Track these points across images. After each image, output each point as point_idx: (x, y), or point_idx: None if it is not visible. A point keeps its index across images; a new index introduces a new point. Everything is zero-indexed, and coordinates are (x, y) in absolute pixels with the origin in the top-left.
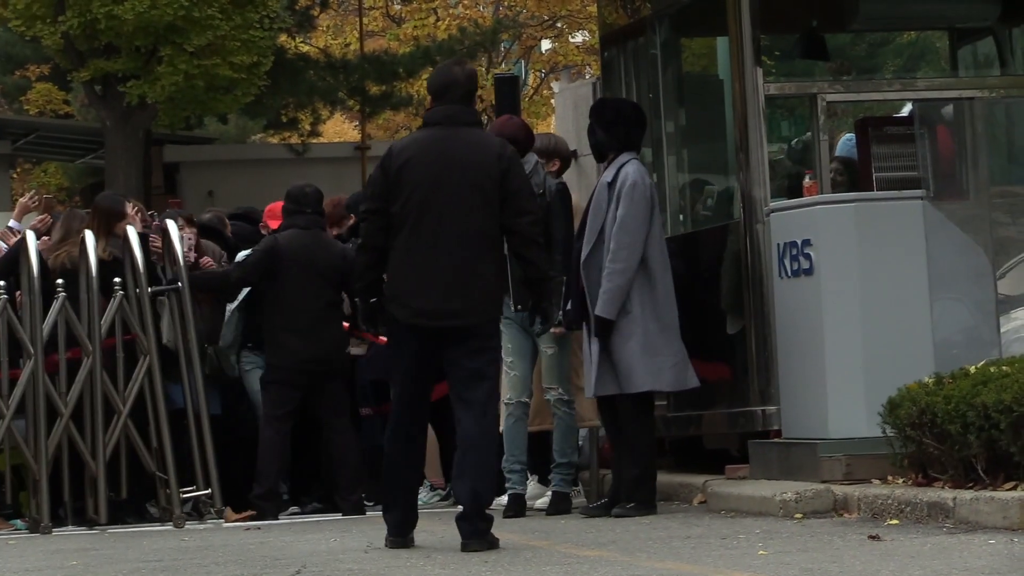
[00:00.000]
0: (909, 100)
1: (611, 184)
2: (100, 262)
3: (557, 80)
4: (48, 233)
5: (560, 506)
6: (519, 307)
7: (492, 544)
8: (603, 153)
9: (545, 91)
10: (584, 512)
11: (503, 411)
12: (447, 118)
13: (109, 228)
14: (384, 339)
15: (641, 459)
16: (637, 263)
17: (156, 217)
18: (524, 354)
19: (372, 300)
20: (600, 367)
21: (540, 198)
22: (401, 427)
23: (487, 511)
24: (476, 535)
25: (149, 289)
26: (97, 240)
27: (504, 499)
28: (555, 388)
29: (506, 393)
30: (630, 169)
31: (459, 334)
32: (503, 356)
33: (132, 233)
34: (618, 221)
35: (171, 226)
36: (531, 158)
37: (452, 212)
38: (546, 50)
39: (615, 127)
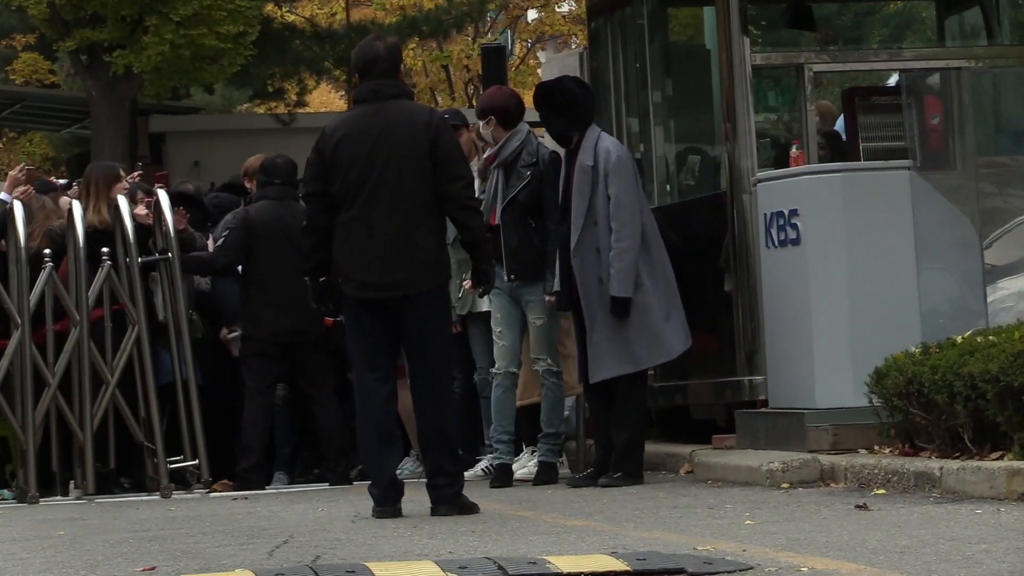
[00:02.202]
0: (896, 70)
1: (594, 167)
2: (94, 231)
3: (544, 50)
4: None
5: (546, 476)
6: (512, 277)
7: (466, 508)
8: (568, 137)
9: (531, 61)
10: (570, 483)
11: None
12: (373, 93)
13: (109, 193)
14: (330, 320)
15: (633, 426)
16: (639, 236)
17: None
18: (513, 324)
19: (321, 279)
20: (599, 350)
21: (533, 167)
22: (368, 400)
23: (457, 476)
24: (443, 500)
25: (140, 260)
26: (94, 207)
27: (477, 470)
28: (544, 359)
29: (495, 363)
30: (607, 145)
31: (406, 304)
32: (492, 326)
33: (123, 202)
34: (613, 201)
35: (162, 197)
36: (523, 127)
37: (387, 185)
38: (532, 20)
39: (571, 108)
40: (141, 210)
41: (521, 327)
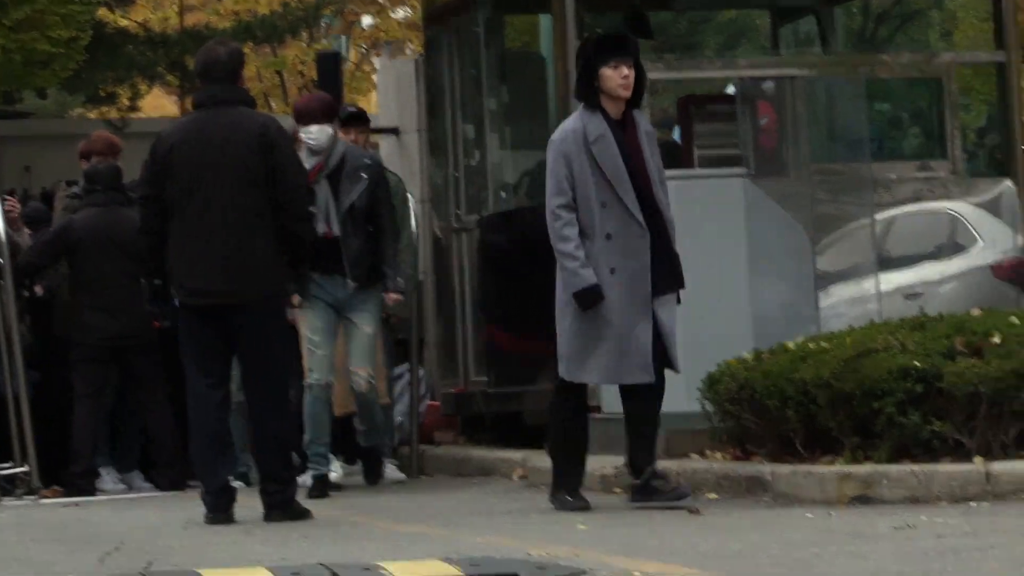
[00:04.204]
0: (731, 78)
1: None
2: None
3: (379, 56)
4: None
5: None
6: (354, 285)
7: (299, 514)
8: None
9: (367, 67)
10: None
11: (306, 392)
12: (211, 99)
13: None
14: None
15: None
16: None
17: None
18: (332, 335)
19: (157, 283)
20: (674, 336)
21: (369, 169)
22: (201, 406)
23: (290, 483)
24: (275, 506)
25: None
26: None
27: (308, 478)
28: (365, 368)
29: (311, 373)
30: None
31: (239, 311)
32: (309, 335)
33: None
34: (661, 173)
35: None
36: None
37: (220, 192)
38: (368, 26)
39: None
40: None
41: (335, 338)
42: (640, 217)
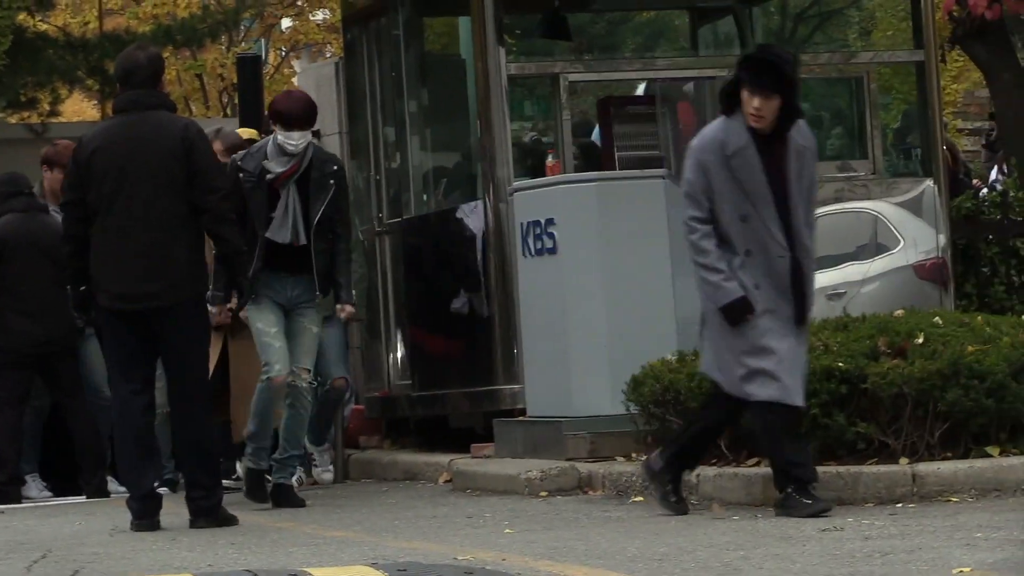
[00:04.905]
0: (650, 79)
1: (805, 148)
2: None
3: (298, 59)
4: None
5: (288, 498)
6: (321, 294)
7: (225, 520)
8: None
9: (286, 70)
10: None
11: (262, 385)
12: (131, 103)
13: None
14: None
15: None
16: None
17: None
18: (283, 328)
19: (81, 288)
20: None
21: (336, 175)
22: (126, 411)
23: (215, 488)
24: (201, 513)
25: None
26: None
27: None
28: (307, 369)
29: (272, 366)
30: (803, 124)
31: (161, 316)
32: (266, 328)
33: None
34: (812, 187)
35: None
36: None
37: (141, 196)
38: (287, 29)
39: (794, 84)
40: None
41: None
42: (781, 237)
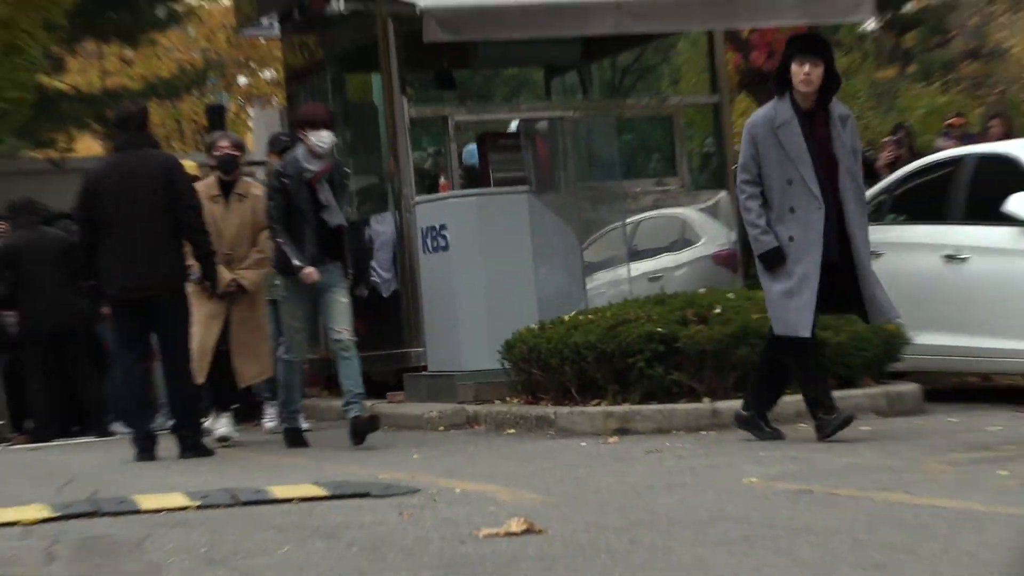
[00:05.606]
0: (516, 119)
1: (845, 118)
2: None
3: (253, 107)
4: None
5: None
6: (352, 271)
7: (205, 453)
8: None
9: (243, 115)
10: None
11: (282, 367)
12: (128, 143)
13: None
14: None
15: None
16: None
17: None
18: (310, 320)
19: (92, 283)
20: (882, 291)
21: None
22: (129, 375)
23: (197, 428)
24: (187, 448)
25: None
26: None
27: (221, 427)
28: (347, 328)
29: (292, 352)
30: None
31: (155, 302)
32: (292, 322)
33: None
34: (856, 153)
35: None
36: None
37: (139, 213)
38: (243, 83)
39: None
40: None
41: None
42: (818, 192)
